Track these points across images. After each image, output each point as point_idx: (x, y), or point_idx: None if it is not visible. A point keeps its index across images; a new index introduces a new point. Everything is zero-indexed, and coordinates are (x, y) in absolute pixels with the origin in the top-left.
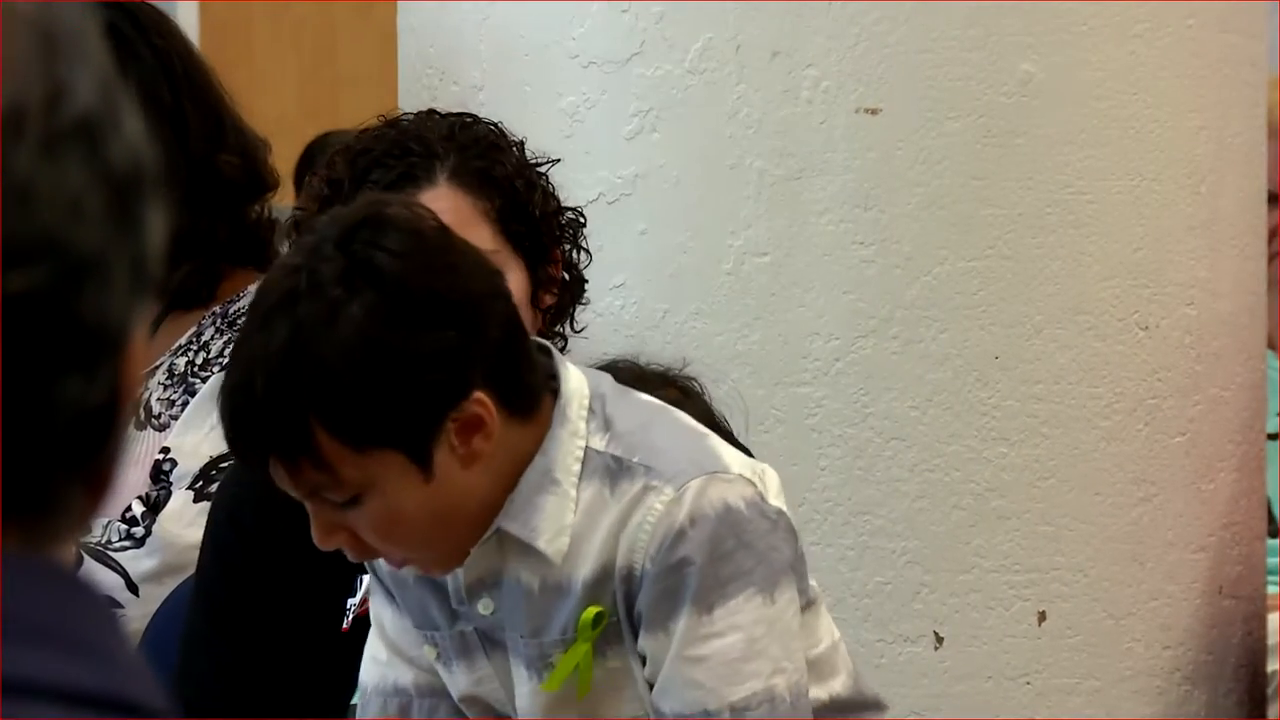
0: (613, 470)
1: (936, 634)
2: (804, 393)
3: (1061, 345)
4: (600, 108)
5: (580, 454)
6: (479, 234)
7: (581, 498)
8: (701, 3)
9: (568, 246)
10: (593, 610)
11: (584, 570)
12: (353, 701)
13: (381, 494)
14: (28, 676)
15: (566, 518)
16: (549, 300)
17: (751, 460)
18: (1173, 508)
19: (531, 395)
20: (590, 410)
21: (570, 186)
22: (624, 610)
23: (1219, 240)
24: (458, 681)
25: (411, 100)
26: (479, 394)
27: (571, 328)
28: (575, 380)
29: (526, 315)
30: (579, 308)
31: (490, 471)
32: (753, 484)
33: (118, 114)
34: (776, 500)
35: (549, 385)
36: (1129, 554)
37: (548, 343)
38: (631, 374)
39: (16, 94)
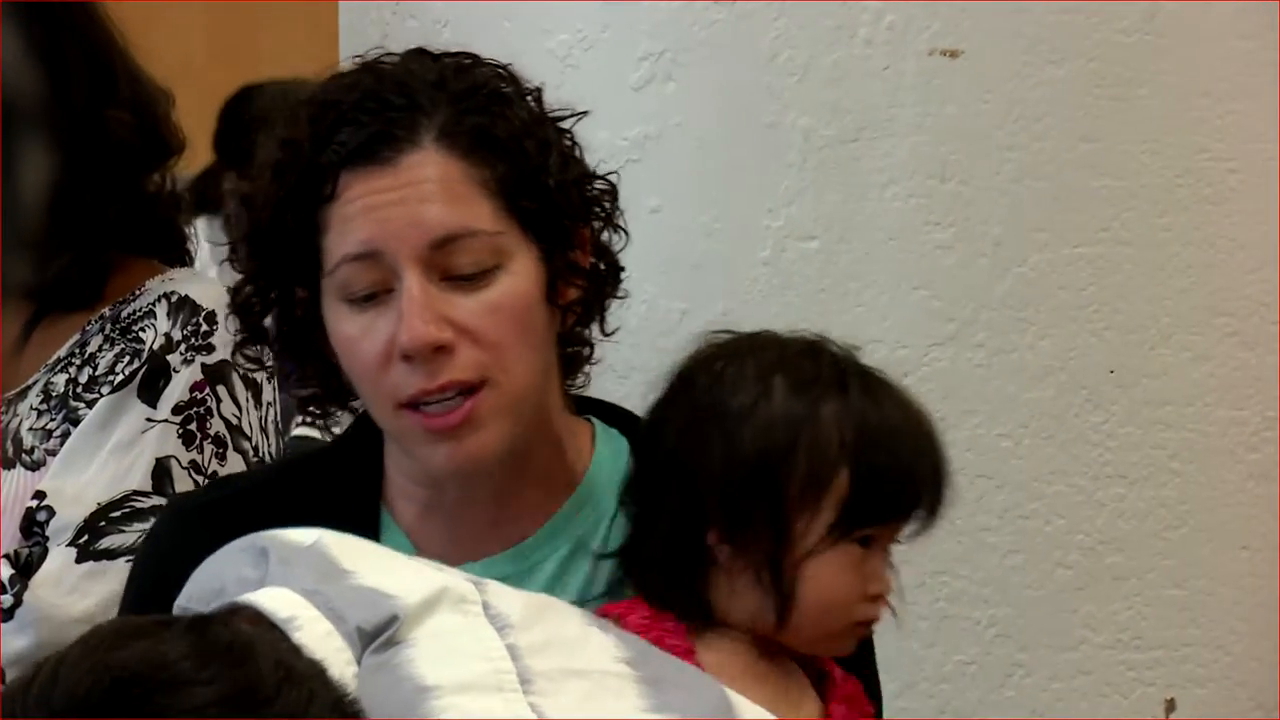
0: None
1: None
2: None
3: (1196, 356)
4: (600, 49)
5: None
6: (476, 211)
7: None
8: None
9: (598, 225)
10: None
11: None
12: None
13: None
14: None
15: None
16: (572, 294)
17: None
18: None
19: None
20: None
21: None
22: None
23: None
24: None
25: (356, 40)
26: None
27: (603, 329)
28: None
29: (540, 312)
30: (612, 303)
31: None
32: None
33: None
34: None
35: None
36: None
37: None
38: None
39: None
